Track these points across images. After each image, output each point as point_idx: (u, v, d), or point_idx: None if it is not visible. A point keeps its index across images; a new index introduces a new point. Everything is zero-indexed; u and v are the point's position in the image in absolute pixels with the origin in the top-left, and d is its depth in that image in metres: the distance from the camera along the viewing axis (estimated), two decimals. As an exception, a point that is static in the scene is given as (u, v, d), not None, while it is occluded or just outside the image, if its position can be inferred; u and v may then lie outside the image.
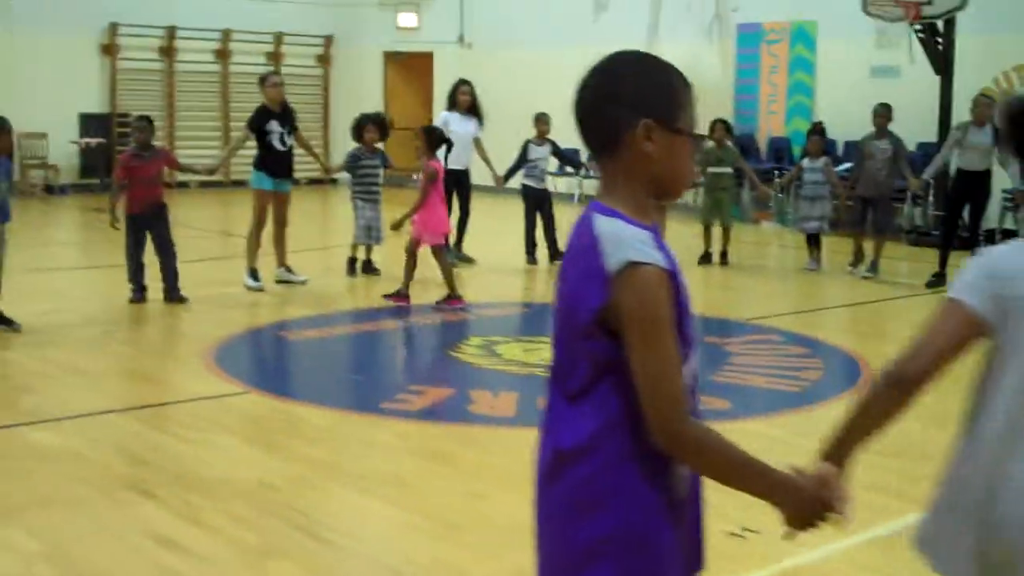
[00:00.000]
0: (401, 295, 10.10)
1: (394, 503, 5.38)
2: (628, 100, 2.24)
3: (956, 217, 12.09)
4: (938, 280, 11.87)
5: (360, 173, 11.43)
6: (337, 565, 4.73)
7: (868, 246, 12.53)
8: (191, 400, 7.09)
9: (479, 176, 13.06)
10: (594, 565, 2.24)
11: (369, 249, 11.77)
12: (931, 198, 15.09)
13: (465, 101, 12.80)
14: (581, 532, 2.25)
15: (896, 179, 12.58)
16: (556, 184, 15.52)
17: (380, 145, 11.67)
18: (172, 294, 9.99)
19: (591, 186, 18.85)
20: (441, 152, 12.49)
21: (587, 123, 2.30)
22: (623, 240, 2.17)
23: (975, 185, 11.81)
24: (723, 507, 4.94)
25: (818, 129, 13.70)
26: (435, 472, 5.85)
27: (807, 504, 2.28)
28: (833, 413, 7.17)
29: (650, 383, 2.15)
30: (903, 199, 14.64)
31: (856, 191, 12.59)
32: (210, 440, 6.28)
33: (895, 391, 2.44)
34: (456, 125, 12.65)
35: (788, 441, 6.28)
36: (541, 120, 13.10)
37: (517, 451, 6.24)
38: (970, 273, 2.49)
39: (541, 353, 8.58)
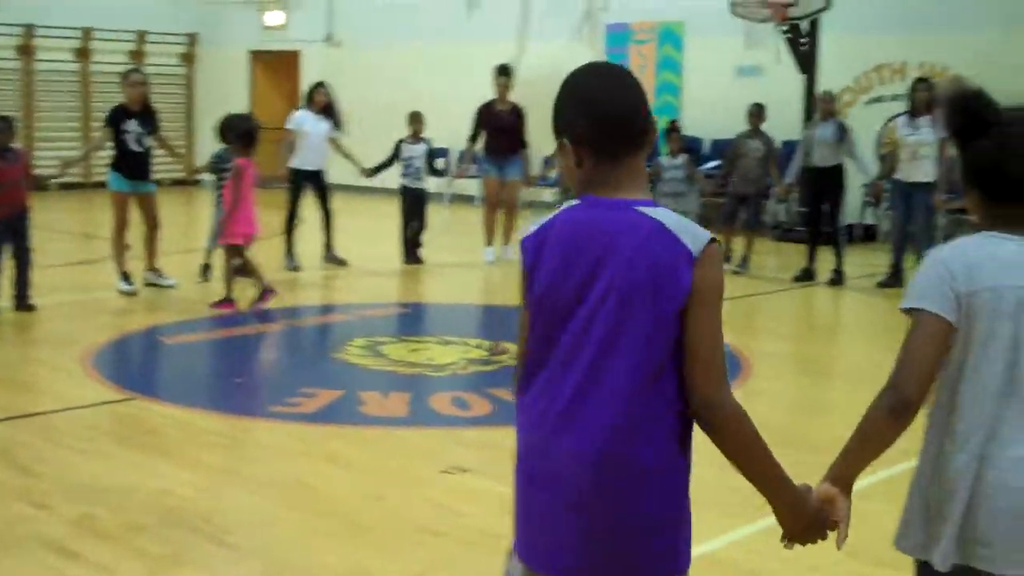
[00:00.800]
0: (266, 293, 9.98)
1: (296, 506, 5.34)
2: (646, 101, 2.46)
3: (817, 213, 12.42)
4: (806, 275, 12.22)
5: (224, 175, 11.13)
6: (244, 570, 4.69)
7: (737, 242, 12.83)
8: (75, 408, 6.91)
9: (352, 176, 12.99)
10: (654, 539, 2.41)
11: None
12: (795, 195, 15.48)
13: (321, 101, 12.67)
14: (646, 508, 2.39)
15: (768, 177, 12.89)
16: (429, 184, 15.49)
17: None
18: (22, 302, 9.68)
19: (461, 186, 18.86)
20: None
21: (636, 126, 2.43)
22: (687, 224, 2.37)
23: (827, 180, 12.16)
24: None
25: (675, 127, 13.95)
26: (334, 474, 5.83)
27: (810, 520, 2.47)
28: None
29: (710, 352, 2.34)
30: (768, 196, 14.95)
31: (729, 188, 12.88)
32: (100, 449, 6.15)
33: (899, 417, 2.51)
34: (310, 125, 12.54)
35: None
36: (415, 119, 13.09)
37: (412, 451, 6.28)
38: (924, 279, 2.57)
39: (427, 353, 8.61)
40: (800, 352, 9.46)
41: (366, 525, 5.12)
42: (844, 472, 2.58)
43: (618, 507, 2.37)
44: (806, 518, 2.46)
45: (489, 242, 13.11)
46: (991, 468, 2.53)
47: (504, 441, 6.58)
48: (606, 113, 2.40)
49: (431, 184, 13.44)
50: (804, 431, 6.59)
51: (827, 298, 11.90)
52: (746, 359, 8.51)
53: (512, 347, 7.59)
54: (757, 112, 12.64)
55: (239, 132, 10.14)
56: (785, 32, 14.84)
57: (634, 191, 2.42)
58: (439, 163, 17.28)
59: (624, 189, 2.41)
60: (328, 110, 12.71)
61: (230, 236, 9.94)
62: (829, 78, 14.75)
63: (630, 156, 2.42)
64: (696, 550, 4.69)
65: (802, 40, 14.88)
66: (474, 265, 12.90)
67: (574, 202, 2.47)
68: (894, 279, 11.65)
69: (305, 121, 12.57)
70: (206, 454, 6.10)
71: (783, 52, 14.91)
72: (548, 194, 17.40)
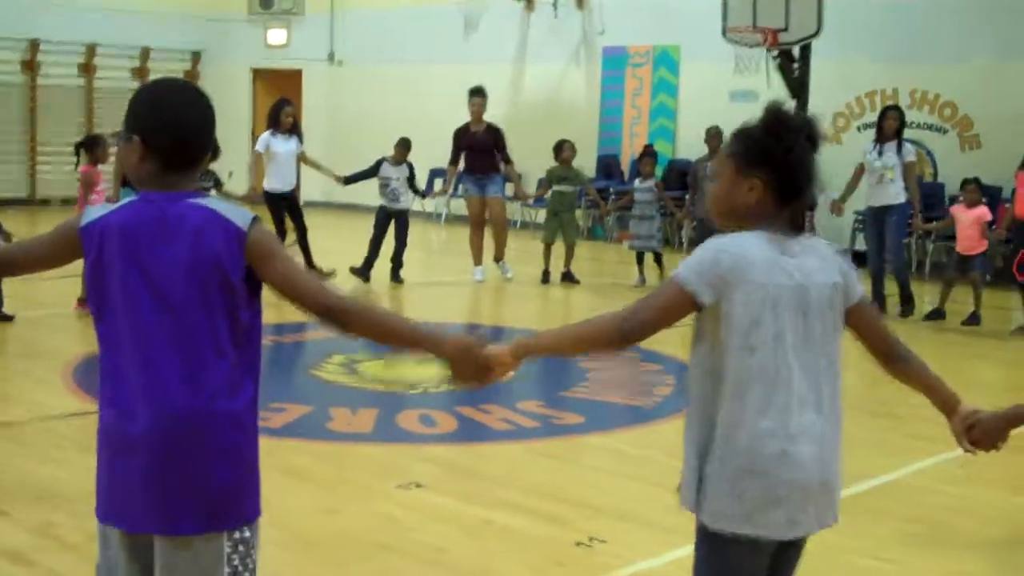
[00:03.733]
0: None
1: (250, 519, 5.43)
2: (214, 126, 2.87)
3: None
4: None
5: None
6: (191, 580, 4.78)
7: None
8: (48, 418, 7.05)
9: (333, 193, 13.12)
10: None
11: None
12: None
13: (288, 122, 12.90)
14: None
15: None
16: (425, 205, 15.61)
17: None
18: None
19: (457, 206, 18.99)
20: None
21: (204, 147, 2.84)
22: (234, 207, 2.80)
23: None
24: (570, 518, 5.14)
25: (649, 151, 14.06)
26: (290, 488, 5.91)
27: (464, 362, 2.96)
28: (677, 426, 7.48)
29: (307, 279, 2.92)
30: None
31: (696, 213, 13.10)
32: (69, 458, 6.27)
33: (617, 345, 2.86)
34: (278, 146, 12.76)
35: (631, 454, 6.49)
36: (401, 144, 13.14)
37: (372, 466, 6.38)
38: (699, 260, 2.80)
39: (402, 370, 8.71)
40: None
41: (316, 539, 5.22)
42: (542, 346, 3.09)
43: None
44: (464, 363, 2.96)
45: (477, 261, 13.23)
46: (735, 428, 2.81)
47: (462, 459, 6.71)
48: (183, 133, 2.76)
49: (422, 205, 13.51)
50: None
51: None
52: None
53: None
54: (715, 134, 12.87)
55: (87, 146, 10.55)
56: (775, 57, 14.94)
57: (188, 187, 2.78)
58: (437, 184, 17.45)
59: (180, 187, 2.75)
60: (295, 128, 12.94)
61: None
62: (820, 103, 14.81)
63: (193, 167, 2.81)
64: (633, 568, 4.85)
65: (793, 65, 14.98)
66: (462, 284, 13.01)
67: (133, 197, 2.78)
68: (876, 300, 11.67)
69: (273, 142, 12.77)
70: (170, 466, 6.20)
71: (773, 76, 15.00)
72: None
